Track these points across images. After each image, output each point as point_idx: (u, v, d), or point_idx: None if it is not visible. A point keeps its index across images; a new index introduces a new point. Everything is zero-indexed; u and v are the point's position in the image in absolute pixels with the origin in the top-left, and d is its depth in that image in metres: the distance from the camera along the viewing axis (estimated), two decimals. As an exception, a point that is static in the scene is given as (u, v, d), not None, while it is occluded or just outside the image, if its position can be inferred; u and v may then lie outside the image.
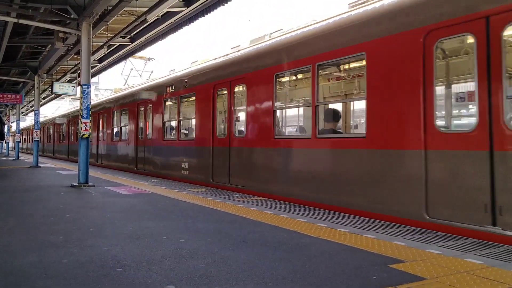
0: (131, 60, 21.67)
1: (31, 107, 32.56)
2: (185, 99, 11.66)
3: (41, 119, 34.14)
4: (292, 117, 10.36)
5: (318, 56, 6.62)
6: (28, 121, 42.98)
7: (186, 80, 10.77)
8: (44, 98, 27.37)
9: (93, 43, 11.14)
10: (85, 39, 9.84)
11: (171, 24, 11.45)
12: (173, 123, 12.22)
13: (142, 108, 13.66)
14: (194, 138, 10.49)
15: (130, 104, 14.66)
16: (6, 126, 29.16)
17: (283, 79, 8.54)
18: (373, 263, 3.42)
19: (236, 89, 8.99)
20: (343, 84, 8.67)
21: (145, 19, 10.05)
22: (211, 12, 10.16)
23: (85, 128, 9.47)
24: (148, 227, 4.83)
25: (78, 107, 19.70)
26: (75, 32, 10.79)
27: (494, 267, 3.32)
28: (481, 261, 3.50)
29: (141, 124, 13.85)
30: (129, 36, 13.09)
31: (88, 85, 9.67)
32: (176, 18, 10.82)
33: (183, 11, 10.26)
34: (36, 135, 17.79)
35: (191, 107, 11.65)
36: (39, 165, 17.11)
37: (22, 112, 34.54)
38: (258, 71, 8.02)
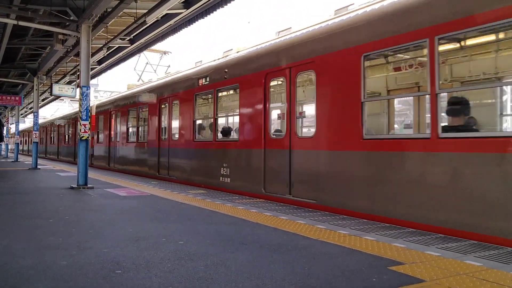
0: (145, 53, 20.28)
1: (30, 108, 32.56)
2: (225, 93, 10.08)
3: (44, 120, 34.08)
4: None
5: (441, 27, 4.89)
6: (27, 122, 42.94)
7: (226, 70, 9.10)
8: (43, 100, 27.37)
9: (93, 45, 11.14)
10: (84, 41, 9.84)
11: (170, 25, 11.47)
12: (208, 121, 10.70)
13: (166, 105, 11.99)
14: (237, 138, 8.83)
15: (150, 100, 12.86)
16: (5, 127, 29.16)
17: (374, 62, 6.89)
18: (372, 265, 3.42)
19: (300, 78, 7.38)
20: (485, 62, 6.34)
21: (145, 21, 10.06)
22: (211, 14, 10.18)
23: (84, 130, 9.48)
24: (147, 229, 4.82)
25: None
26: (75, 34, 10.80)
27: (494, 269, 3.32)
28: (480, 263, 3.50)
29: (165, 123, 12.20)
30: (128, 38, 13.11)
31: (88, 86, 9.67)
32: (176, 19, 10.84)
33: (182, 12, 10.28)
34: (36, 137, 17.80)
35: (233, 101, 10.09)
36: (38, 167, 17.09)
37: (21, 114, 34.54)
38: (335, 53, 6.35)
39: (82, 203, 7.25)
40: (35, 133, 17.85)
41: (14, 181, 11.09)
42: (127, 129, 15.10)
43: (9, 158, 27.90)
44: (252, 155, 8.14)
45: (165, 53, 22.02)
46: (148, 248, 3.92)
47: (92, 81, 22.46)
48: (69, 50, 13.24)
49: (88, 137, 9.59)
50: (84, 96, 9.50)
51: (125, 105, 15.27)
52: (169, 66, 22.55)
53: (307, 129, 8.04)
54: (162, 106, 12.22)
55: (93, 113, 18.10)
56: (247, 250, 3.90)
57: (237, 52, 9.45)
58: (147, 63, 22.12)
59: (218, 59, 10.03)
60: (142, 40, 13.03)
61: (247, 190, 8.19)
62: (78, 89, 10.81)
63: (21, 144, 44.74)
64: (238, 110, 8.70)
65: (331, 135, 6.43)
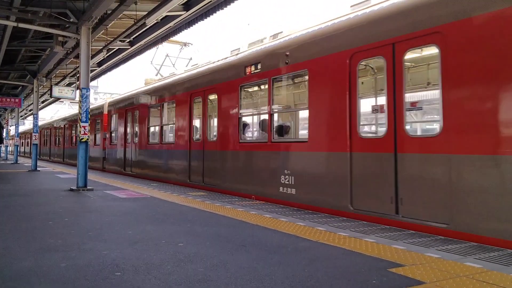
0: (164, 45, 18.90)
1: (30, 110, 32.60)
2: (283, 82, 8.54)
3: (46, 121, 33.88)
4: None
5: None
6: (27, 124, 42.95)
7: (287, 53, 7.36)
8: (43, 102, 27.37)
9: (92, 47, 11.16)
10: (84, 42, 9.86)
11: (170, 27, 11.49)
12: (259, 118, 9.05)
13: (199, 100, 10.29)
14: (306, 139, 6.95)
15: (178, 95, 11.21)
16: (5, 129, 29.17)
17: None
18: (372, 267, 3.42)
19: (410, 56, 5.86)
20: None
21: (144, 23, 10.08)
22: (210, 16, 10.19)
23: (84, 132, 9.48)
24: (147, 231, 4.82)
25: (95, 105, 19.34)
26: (74, 36, 10.81)
27: (494, 271, 3.31)
28: (480, 265, 3.50)
29: (197, 122, 10.60)
30: (128, 40, 13.13)
31: (87, 88, 9.69)
32: (176, 22, 10.85)
33: (182, 14, 10.30)
34: (35, 139, 17.81)
35: (297, 93, 8.72)
36: (38, 169, 17.09)
37: (21, 116, 34.56)
38: (484, 16, 4.50)
39: (81, 205, 7.24)
40: (35, 135, 17.88)
41: (13, 183, 11.08)
42: (148, 129, 13.22)
43: (8, 160, 27.90)
44: (331, 159, 6.41)
45: (185, 44, 19.45)
46: (148, 250, 3.92)
47: (92, 83, 22.44)
48: (69, 52, 13.26)
49: (88, 139, 9.60)
50: (84, 98, 9.52)
51: (145, 102, 13.51)
52: (190, 59, 19.90)
53: (430, 125, 6.44)
54: (196, 100, 10.47)
55: (105, 111, 17.36)
56: (246, 252, 3.89)
57: (293, 33, 7.69)
58: (167, 55, 19.61)
59: (275, 40, 8.23)
60: (142, 42, 13.05)
61: (324, 205, 6.48)
62: (77, 91, 10.82)
63: (22, 146, 44.73)
64: (307, 103, 6.97)
65: (475, 134, 4.60)
